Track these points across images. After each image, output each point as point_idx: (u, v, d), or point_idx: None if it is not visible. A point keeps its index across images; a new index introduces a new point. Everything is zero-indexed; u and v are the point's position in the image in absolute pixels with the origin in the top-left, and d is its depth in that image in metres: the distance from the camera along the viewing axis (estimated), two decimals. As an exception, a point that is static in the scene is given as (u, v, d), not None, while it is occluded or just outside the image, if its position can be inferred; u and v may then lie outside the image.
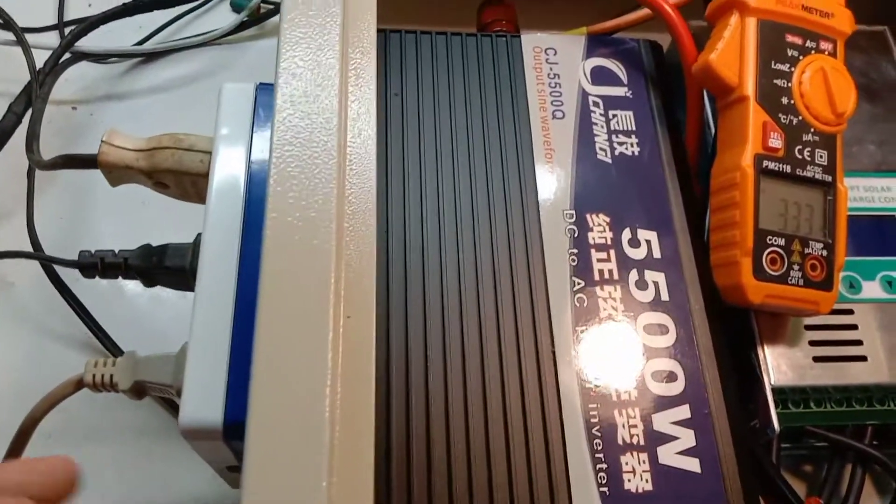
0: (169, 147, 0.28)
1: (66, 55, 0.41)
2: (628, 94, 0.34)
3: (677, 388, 0.29)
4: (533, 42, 0.35)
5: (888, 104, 0.38)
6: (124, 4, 0.41)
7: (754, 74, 0.31)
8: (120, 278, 0.29)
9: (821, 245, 0.30)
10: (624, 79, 0.35)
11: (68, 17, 0.45)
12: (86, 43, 0.42)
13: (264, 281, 0.22)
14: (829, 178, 0.31)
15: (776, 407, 0.32)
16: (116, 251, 0.29)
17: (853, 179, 0.36)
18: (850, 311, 0.33)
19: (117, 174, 0.29)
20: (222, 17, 0.46)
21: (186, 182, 0.28)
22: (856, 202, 0.35)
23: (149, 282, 0.29)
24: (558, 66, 0.35)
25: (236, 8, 0.46)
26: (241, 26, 0.46)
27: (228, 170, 0.26)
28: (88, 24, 0.40)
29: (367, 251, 0.24)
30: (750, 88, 0.31)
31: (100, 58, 0.44)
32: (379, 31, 0.34)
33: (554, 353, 0.29)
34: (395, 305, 0.28)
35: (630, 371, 0.29)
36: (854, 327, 0.33)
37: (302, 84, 0.25)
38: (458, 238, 0.30)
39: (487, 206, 0.31)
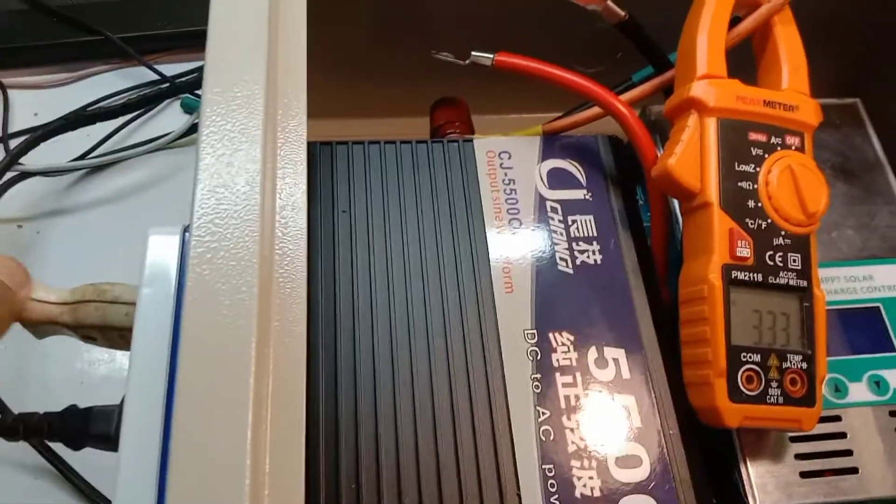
0: (93, 300, 0.26)
1: (11, 173, 0.40)
2: (588, 197, 0.33)
3: (654, 528, 0.26)
4: (486, 146, 0.34)
5: (865, 183, 0.37)
6: (66, 118, 0.40)
7: (717, 178, 0.29)
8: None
9: (800, 357, 0.29)
10: (582, 180, 0.33)
11: (13, 128, 0.44)
12: (31, 156, 0.40)
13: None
14: (805, 283, 0.29)
15: (765, 529, 0.30)
16: (41, 413, 0.27)
17: (833, 270, 0.34)
18: (838, 418, 0.31)
19: (42, 329, 0.27)
20: (174, 120, 0.44)
21: (114, 335, 0.27)
22: (837, 295, 0.33)
23: (75, 446, 0.27)
24: (513, 171, 0.33)
25: (187, 109, 0.45)
26: (193, 128, 0.44)
27: (151, 327, 0.25)
28: (31, 142, 0.39)
29: (296, 398, 0.22)
30: (713, 194, 0.29)
31: (45, 173, 0.42)
32: (324, 143, 0.33)
33: (519, 496, 0.26)
34: (346, 457, 0.26)
35: (602, 512, 0.27)
36: (842, 436, 0.30)
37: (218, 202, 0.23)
38: (413, 373, 0.28)
39: (444, 332, 0.29)
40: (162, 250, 0.26)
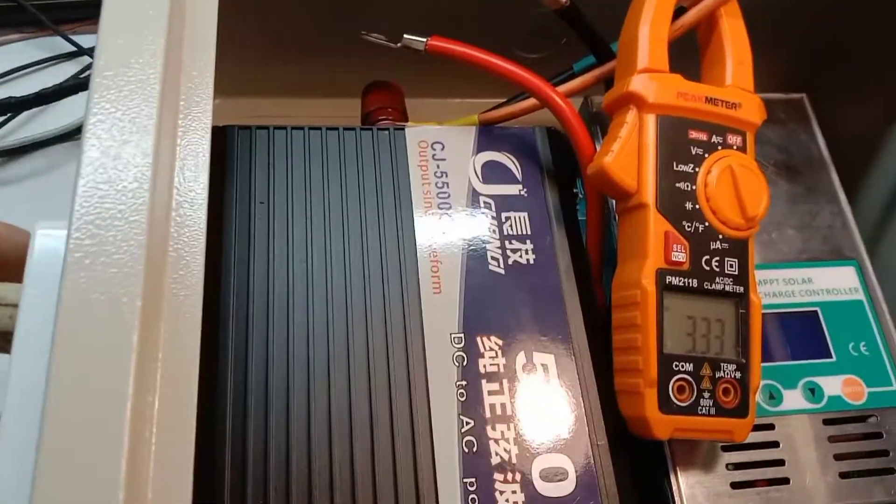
0: (-26, 301, 0.24)
1: None
2: (523, 193, 0.31)
3: (578, 544, 0.25)
4: (418, 135, 0.32)
5: (808, 182, 0.36)
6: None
7: (654, 178, 0.28)
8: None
9: (734, 367, 0.28)
10: (518, 175, 0.32)
11: None
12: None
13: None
14: (741, 289, 0.28)
15: (694, 539, 0.29)
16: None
17: (772, 272, 0.33)
18: (771, 427, 0.30)
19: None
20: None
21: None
22: (775, 298, 0.33)
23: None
24: (446, 163, 0.31)
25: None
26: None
27: (34, 332, 0.22)
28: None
29: (186, 415, 0.20)
30: (650, 195, 0.28)
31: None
32: (242, 128, 0.31)
33: (437, 511, 0.25)
34: (253, 472, 0.25)
35: (524, 528, 0.25)
36: (775, 445, 0.30)
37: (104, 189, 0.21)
38: (330, 379, 0.26)
39: (365, 334, 0.27)
40: (49, 247, 0.24)
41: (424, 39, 0.31)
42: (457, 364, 0.27)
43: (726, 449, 0.29)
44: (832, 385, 0.31)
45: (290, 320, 0.27)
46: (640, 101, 0.28)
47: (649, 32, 0.29)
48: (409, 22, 0.32)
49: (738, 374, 0.28)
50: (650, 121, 0.28)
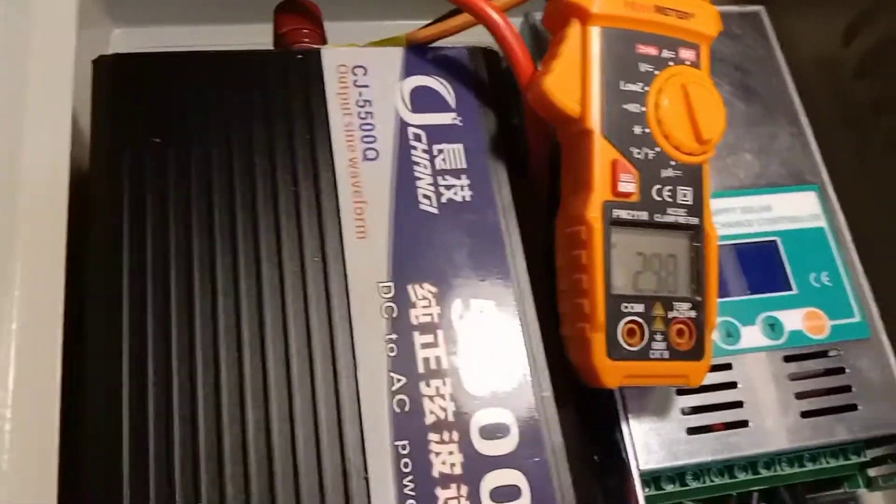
0: None
1: None
2: (457, 122, 0.28)
3: (522, 505, 0.23)
4: (337, 59, 0.28)
5: (766, 102, 0.33)
6: None
7: (600, 101, 0.25)
8: None
9: (688, 305, 0.25)
10: (451, 101, 0.28)
11: None
12: None
13: None
14: (695, 221, 0.26)
15: (647, 489, 0.27)
16: None
17: (728, 200, 0.31)
18: (728, 366, 0.28)
19: None
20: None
21: None
22: (732, 228, 0.30)
23: None
24: (370, 90, 0.28)
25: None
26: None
27: None
28: None
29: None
30: (595, 119, 0.25)
31: None
32: (131, 56, 0.27)
33: (367, 479, 0.23)
34: (155, 447, 0.22)
35: (465, 493, 0.23)
36: (733, 386, 0.28)
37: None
38: (240, 338, 0.23)
39: (279, 286, 0.24)
40: None
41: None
42: (385, 316, 0.25)
43: (681, 393, 0.27)
44: (793, 319, 0.29)
45: (192, 274, 0.24)
46: (582, 13, 0.25)
47: (591, -67, 0.25)
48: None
49: (694, 314, 0.25)
50: (594, 35, 0.25)
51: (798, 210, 0.31)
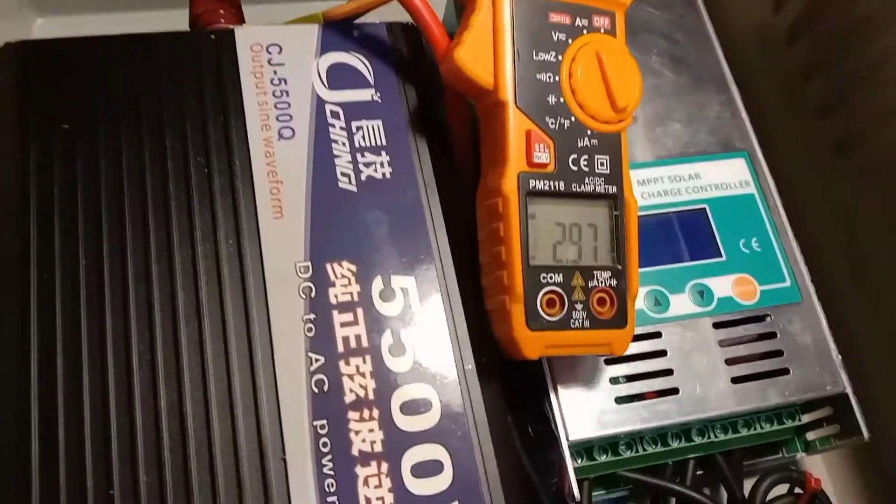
0: None
1: None
2: (376, 98, 0.28)
3: (444, 481, 0.23)
4: (250, 38, 0.28)
5: (695, 71, 0.33)
6: None
7: (513, 71, 0.25)
8: None
9: (608, 274, 0.25)
10: (370, 77, 0.28)
11: None
12: None
13: None
14: (614, 189, 0.26)
15: (578, 459, 0.27)
16: None
17: (656, 169, 0.31)
18: (657, 335, 0.28)
19: None
20: None
21: None
22: (660, 197, 0.30)
23: None
24: (285, 69, 0.27)
25: None
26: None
27: None
28: None
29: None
30: (508, 90, 0.24)
31: None
32: (27, 43, 0.26)
33: (285, 461, 0.22)
34: (66, 412, 0.21)
35: (385, 470, 0.23)
36: (662, 354, 0.28)
37: None
38: (152, 324, 0.23)
39: (192, 268, 0.24)
40: None
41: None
42: (304, 296, 0.24)
43: (610, 362, 0.27)
44: (722, 286, 0.29)
45: (102, 260, 0.23)
46: (491, -18, 0.25)
47: None
48: None
49: (614, 282, 0.25)
50: (505, 4, 0.25)
51: (727, 177, 0.31)
